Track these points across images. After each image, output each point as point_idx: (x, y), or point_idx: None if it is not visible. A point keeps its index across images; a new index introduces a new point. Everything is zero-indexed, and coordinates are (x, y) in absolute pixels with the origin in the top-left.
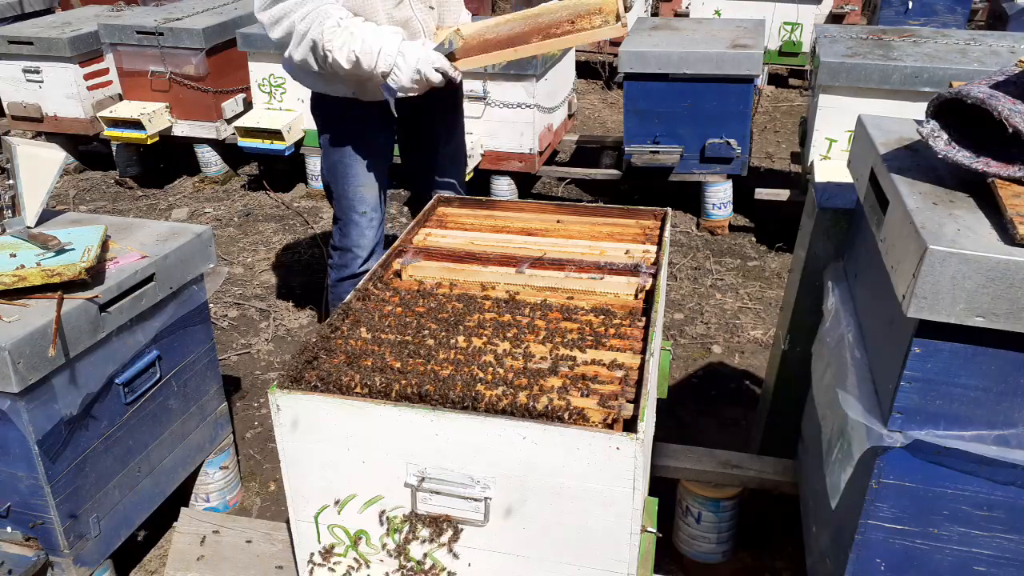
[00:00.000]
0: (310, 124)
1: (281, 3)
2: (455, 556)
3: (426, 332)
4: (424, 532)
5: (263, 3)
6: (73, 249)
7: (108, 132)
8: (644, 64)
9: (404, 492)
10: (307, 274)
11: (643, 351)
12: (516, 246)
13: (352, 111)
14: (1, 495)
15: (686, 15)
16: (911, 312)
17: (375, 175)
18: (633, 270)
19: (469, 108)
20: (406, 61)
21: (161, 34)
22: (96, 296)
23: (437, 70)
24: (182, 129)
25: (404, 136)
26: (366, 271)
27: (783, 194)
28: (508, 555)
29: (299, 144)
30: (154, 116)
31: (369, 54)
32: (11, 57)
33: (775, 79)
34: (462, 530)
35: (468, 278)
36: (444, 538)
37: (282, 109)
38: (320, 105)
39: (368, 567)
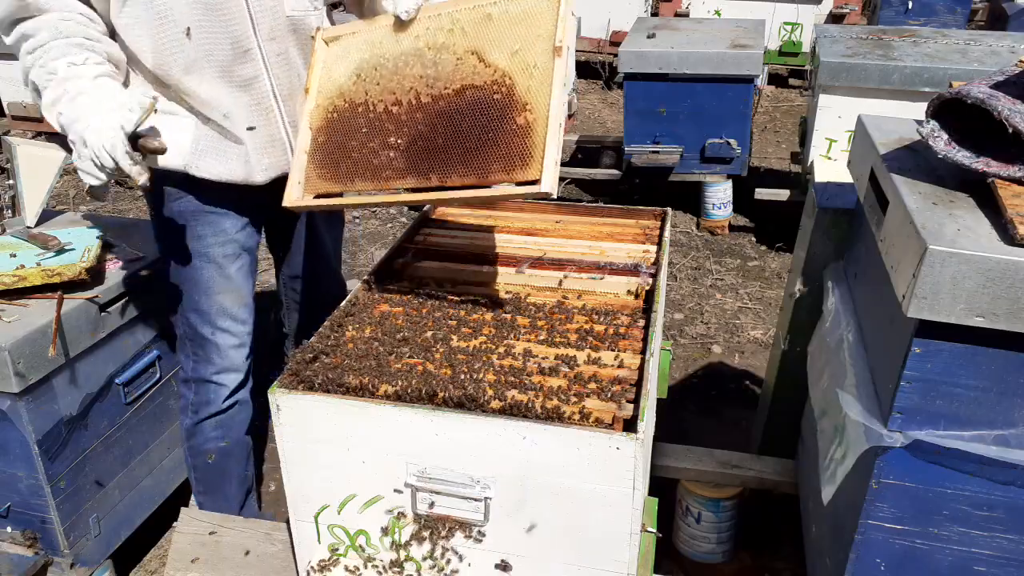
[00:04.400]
0: None
1: (19, 26)
2: (455, 556)
3: (426, 332)
4: (424, 532)
5: (3, 19)
6: (73, 249)
7: None
8: (644, 64)
9: (404, 492)
10: None
11: (643, 351)
12: (516, 246)
13: (188, 189)
14: (1, 495)
15: (686, 15)
16: (911, 312)
17: (236, 274)
18: (633, 270)
19: None
20: (87, 144)
21: None
22: (96, 296)
23: (113, 162)
24: None
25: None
26: (236, 403)
27: (783, 194)
28: (508, 555)
29: None
30: None
31: (66, 125)
32: (11, 57)
33: (775, 79)
34: (462, 530)
35: (468, 278)
36: (444, 538)
37: None
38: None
39: (368, 567)
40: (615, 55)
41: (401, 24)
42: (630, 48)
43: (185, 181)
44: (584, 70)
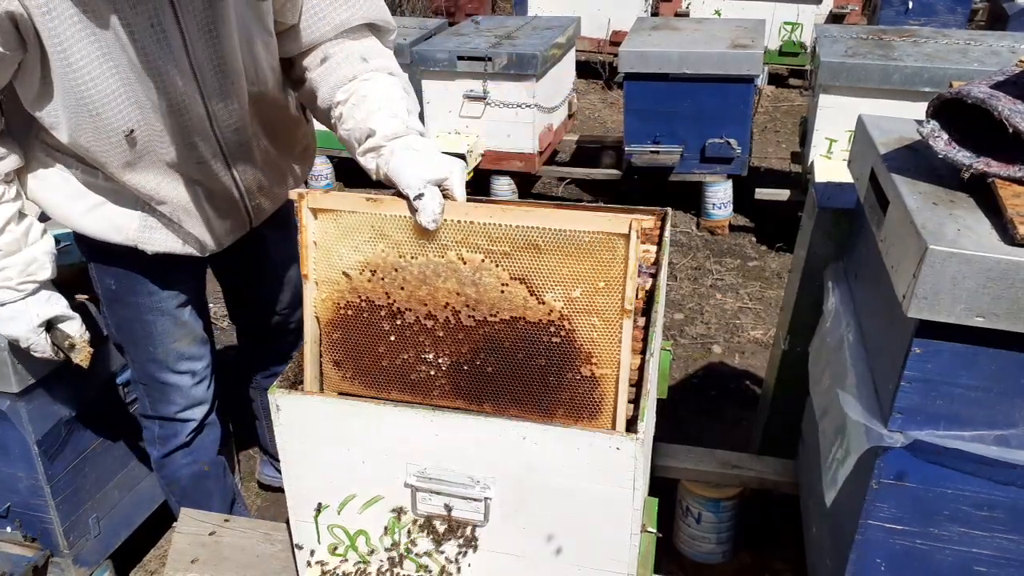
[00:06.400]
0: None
1: None
2: (455, 556)
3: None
4: (424, 532)
5: None
6: (72, 248)
7: None
8: (644, 64)
9: (404, 492)
10: None
11: (643, 351)
12: None
13: (136, 263)
14: (1, 495)
15: (686, 15)
16: (911, 312)
17: (190, 317)
18: None
19: (469, 108)
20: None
21: None
22: (95, 296)
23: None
24: None
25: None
26: (204, 427)
27: (783, 194)
28: (508, 555)
29: None
30: None
31: None
32: None
33: (775, 79)
34: (462, 530)
35: None
36: (444, 538)
37: None
38: (90, 249)
39: (368, 567)
40: (615, 55)
41: (423, 228)
42: (630, 48)
43: (112, 252)
44: (584, 70)
